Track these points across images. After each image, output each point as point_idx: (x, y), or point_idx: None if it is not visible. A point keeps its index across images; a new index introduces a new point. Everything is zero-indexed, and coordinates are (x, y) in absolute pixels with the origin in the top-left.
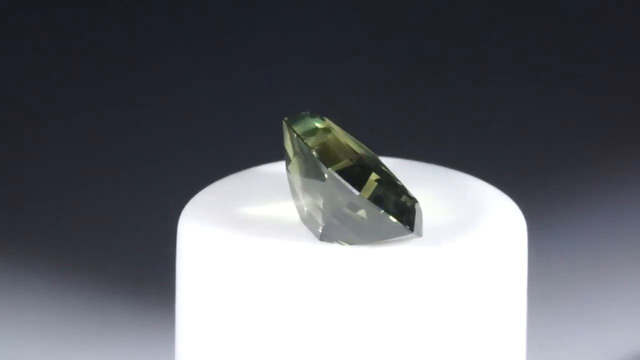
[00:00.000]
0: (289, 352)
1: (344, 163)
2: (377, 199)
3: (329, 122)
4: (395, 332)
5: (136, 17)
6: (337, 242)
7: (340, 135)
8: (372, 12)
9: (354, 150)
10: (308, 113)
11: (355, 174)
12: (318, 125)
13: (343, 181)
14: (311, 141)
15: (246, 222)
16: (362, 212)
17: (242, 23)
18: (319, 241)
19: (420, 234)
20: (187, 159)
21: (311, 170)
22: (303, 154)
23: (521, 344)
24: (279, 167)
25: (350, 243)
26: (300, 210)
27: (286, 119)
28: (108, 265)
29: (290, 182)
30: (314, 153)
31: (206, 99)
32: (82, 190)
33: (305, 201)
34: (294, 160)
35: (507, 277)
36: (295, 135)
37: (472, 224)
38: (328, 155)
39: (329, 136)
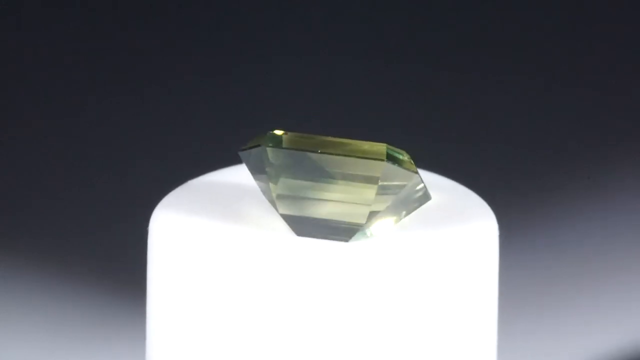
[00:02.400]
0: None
1: (382, 152)
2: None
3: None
4: (360, 327)
5: (115, 18)
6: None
7: (319, 136)
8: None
9: (355, 142)
10: (271, 131)
11: (395, 160)
12: (299, 136)
13: (400, 168)
14: (319, 147)
15: (225, 215)
16: (416, 193)
17: (231, 20)
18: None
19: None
20: (163, 157)
21: (327, 175)
22: (302, 162)
23: (492, 346)
24: None
25: (378, 234)
26: (297, 223)
27: (266, 142)
28: (83, 263)
29: (280, 202)
30: (338, 154)
31: (187, 97)
32: (55, 191)
33: (317, 211)
34: (282, 178)
35: (474, 279)
36: (286, 148)
37: (437, 222)
38: (352, 151)
39: (323, 139)
